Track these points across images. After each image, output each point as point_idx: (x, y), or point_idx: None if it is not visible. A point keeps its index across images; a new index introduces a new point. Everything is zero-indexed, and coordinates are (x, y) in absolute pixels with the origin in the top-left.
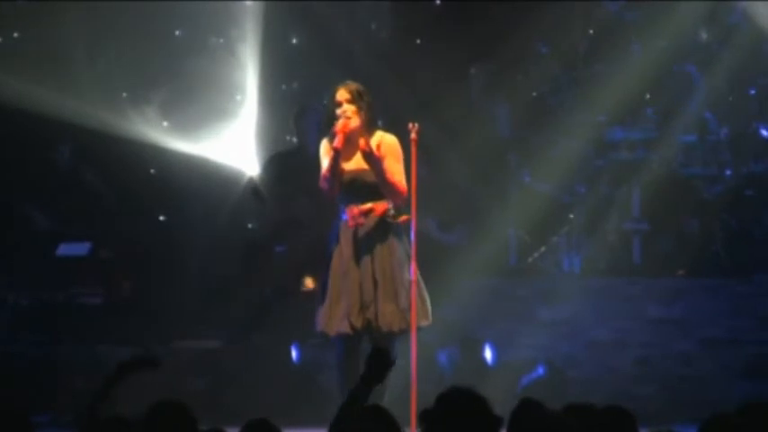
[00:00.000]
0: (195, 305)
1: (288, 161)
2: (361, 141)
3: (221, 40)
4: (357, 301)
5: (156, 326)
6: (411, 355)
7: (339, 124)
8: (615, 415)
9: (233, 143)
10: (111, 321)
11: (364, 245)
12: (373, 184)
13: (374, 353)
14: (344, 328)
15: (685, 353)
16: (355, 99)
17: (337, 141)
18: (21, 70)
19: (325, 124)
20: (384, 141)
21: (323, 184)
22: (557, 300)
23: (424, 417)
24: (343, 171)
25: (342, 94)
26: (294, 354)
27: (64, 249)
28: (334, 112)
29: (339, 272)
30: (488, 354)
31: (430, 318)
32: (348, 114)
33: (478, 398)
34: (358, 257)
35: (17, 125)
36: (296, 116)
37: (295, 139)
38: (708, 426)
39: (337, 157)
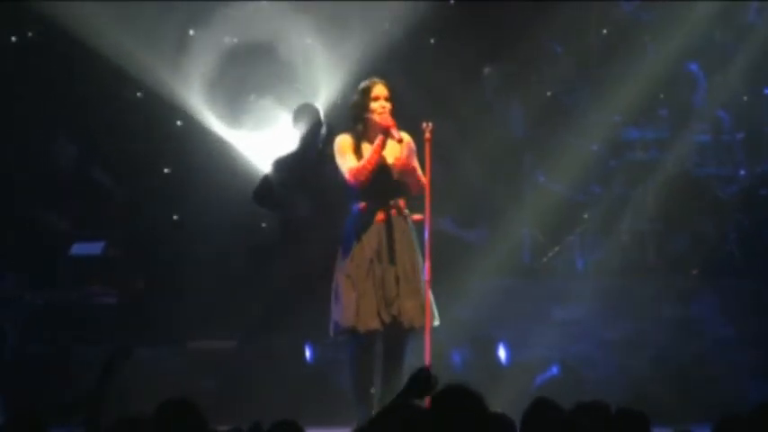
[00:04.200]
0: (209, 305)
1: (291, 161)
2: (403, 136)
3: (235, 39)
4: (382, 297)
5: (170, 326)
6: (425, 355)
7: (387, 119)
8: (629, 417)
9: (255, 141)
10: (125, 321)
11: (386, 241)
12: (393, 181)
13: (419, 373)
14: (375, 324)
15: (699, 353)
16: (390, 97)
17: (398, 134)
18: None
19: (354, 118)
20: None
21: (360, 176)
22: (570, 299)
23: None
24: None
25: (381, 90)
26: (308, 353)
27: (78, 249)
28: (365, 106)
29: (363, 267)
30: (502, 353)
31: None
32: (387, 111)
33: (474, 395)
34: (380, 253)
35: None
36: (296, 116)
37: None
38: (721, 426)
39: (380, 150)
